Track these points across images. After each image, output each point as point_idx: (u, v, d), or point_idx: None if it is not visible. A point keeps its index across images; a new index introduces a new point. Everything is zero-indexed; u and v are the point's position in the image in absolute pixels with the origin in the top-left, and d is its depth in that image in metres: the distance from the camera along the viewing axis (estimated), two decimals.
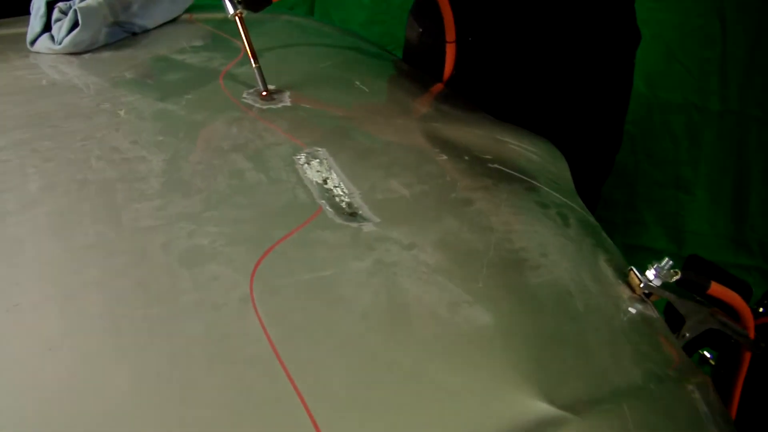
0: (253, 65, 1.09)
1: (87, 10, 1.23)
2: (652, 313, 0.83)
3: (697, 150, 2.34)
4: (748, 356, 0.99)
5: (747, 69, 2.23)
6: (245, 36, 1.11)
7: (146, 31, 1.36)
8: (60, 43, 1.23)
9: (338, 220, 0.81)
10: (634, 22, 1.42)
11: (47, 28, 1.27)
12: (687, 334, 0.88)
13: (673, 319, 0.89)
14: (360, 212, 0.83)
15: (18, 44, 1.28)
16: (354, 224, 0.81)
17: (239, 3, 1.11)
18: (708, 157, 2.34)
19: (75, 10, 1.23)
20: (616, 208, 2.39)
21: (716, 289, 0.89)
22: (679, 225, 2.41)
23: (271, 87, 1.10)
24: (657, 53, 2.19)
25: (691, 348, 0.91)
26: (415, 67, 1.49)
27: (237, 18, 1.11)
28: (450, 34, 1.36)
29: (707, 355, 1.06)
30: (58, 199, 0.82)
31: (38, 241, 0.76)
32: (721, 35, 2.21)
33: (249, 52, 1.10)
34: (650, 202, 2.43)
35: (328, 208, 0.83)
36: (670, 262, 0.84)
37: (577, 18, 1.35)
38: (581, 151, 1.32)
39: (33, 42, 1.26)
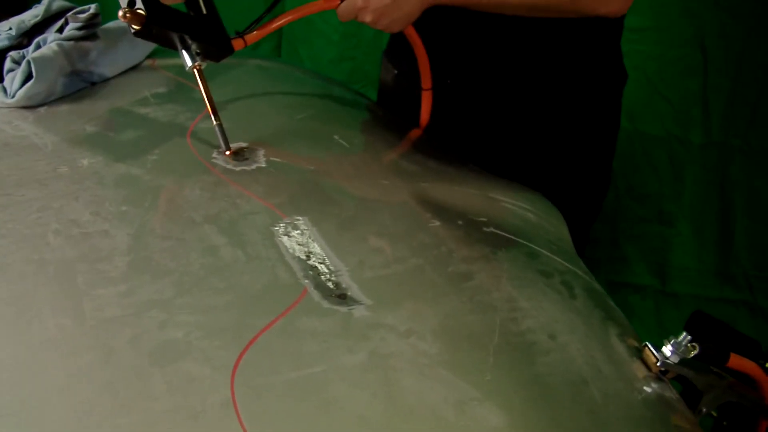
0: (214, 123, 1.00)
1: (41, 60, 1.14)
2: (671, 393, 0.78)
3: (679, 183, 2.31)
4: (764, 425, 0.93)
5: (729, 99, 2.20)
6: (204, 90, 1.02)
7: (106, 80, 1.27)
8: (13, 96, 1.14)
9: (326, 304, 0.74)
10: (621, 61, 1.36)
11: None
12: (704, 409, 0.84)
13: (690, 393, 0.83)
14: (349, 293, 0.76)
15: None
16: (343, 308, 0.73)
17: (197, 54, 1.02)
18: (691, 190, 2.31)
19: (28, 61, 1.14)
20: (598, 244, 2.34)
21: (735, 361, 0.84)
22: (664, 260, 2.38)
23: (243, 144, 1.02)
24: (637, 85, 2.14)
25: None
26: (392, 110, 1.42)
27: (195, 71, 1.02)
28: (426, 81, 1.29)
29: None
30: (12, 284, 0.73)
31: None
32: (703, 66, 2.18)
33: (209, 108, 1.01)
34: (633, 238, 2.39)
35: (313, 289, 0.75)
36: (688, 337, 0.78)
37: (562, 59, 1.29)
38: (569, 195, 1.28)
39: None
